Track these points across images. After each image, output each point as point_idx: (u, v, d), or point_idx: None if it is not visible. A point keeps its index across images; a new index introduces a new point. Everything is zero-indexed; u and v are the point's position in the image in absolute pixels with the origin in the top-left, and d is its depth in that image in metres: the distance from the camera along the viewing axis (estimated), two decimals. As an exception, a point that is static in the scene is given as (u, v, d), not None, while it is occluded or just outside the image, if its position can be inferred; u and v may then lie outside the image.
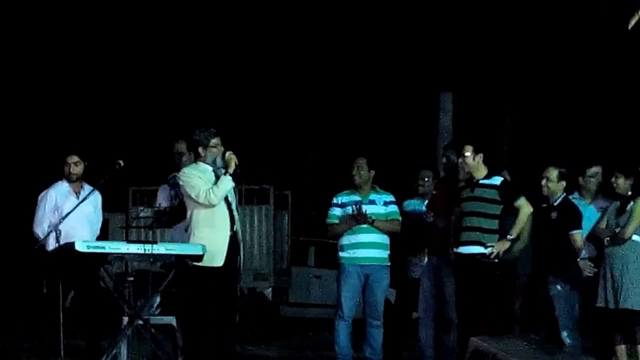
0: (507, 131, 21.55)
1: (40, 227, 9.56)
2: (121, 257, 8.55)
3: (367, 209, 9.65)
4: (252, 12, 21.71)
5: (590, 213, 9.50)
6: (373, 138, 21.44)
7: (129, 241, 8.80)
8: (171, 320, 9.31)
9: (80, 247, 8.30)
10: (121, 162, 9.18)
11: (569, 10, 18.91)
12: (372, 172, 9.77)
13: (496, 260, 9.08)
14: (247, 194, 17.14)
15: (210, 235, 8.71)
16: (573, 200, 9.57)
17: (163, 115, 21.71)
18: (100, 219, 9.80)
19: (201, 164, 8.92)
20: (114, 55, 21.94)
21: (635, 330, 8.78)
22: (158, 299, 9.23)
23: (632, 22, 10.13)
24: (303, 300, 18.59)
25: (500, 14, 19.51)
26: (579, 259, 9.17)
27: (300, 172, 23.80)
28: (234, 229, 8.86)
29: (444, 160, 9.99)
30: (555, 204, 9.40)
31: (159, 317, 9.30)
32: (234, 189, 8.93)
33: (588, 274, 9.11)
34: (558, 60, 20.26)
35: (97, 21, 21.45)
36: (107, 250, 8.41)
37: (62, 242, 9.06)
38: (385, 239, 9.70)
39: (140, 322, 8.63)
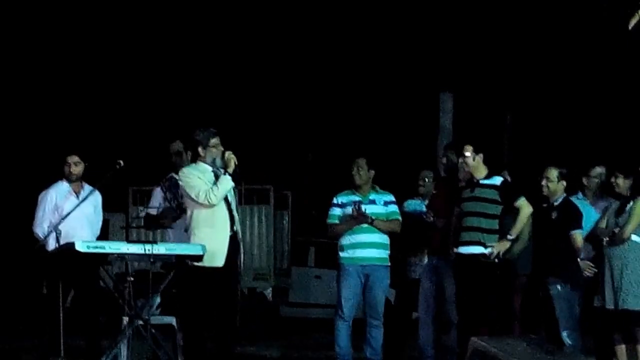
0: (507, 131, 21.55)
1: (41, 227, 9.55)
2: (121, 257, 8.56)
3: (368, 208, 9.66)
4: (252, 12, 21.71)
5: (593, 213, 9.49)
6: (373, 138, 21.44)
7: (129, 241, 8.81)
8: (171, 320, 9.31)
9: (80, 247, 8.31)
10: (121, 162, 9.18)
11: (569, 10, 18.91)
12: (372, 172, 9.78)
13: (496, 261, 9.08)
14: (247, 194, 17.12)
15: (210, 236, 8.71)
16: (577, 201, 9.57)
17: (163, 115, 21.70)
18: (101, 219, 9.80)
19: (201, 164, 8.92)
20: (114, 56, 21.94)
21: (635, 331, 8.78)
22: (158, 299, 9.23)
23: (632, 23, 10.11)
24: (303, 301, 18.59)
25: (500, 14, 19.50)
26: (579, 259, 9.17)
27: (300, 172, 23.80)
28: (234, 229, 8.86)
29: (444, 160, 9.99)
30: (555, 204, 9.40)
31: (159, 317, 9.30)
32: (233, 189, 8.93)
33: (588, 274, 9.11)
34: (558, 60, 20.25)
35: (97, 21, 21.45)
36: (107, 251, 8.43)
37: (62, 242, 9.06)
38: (385, 239, 9.70)
39: (141, 322, 8.63)
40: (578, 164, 10.07)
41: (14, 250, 17.69)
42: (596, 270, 9.04)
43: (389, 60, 21.33)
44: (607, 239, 8.93)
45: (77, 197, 9.60)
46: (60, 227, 9.25)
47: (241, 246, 8.99)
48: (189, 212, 8.89)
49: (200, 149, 8.90)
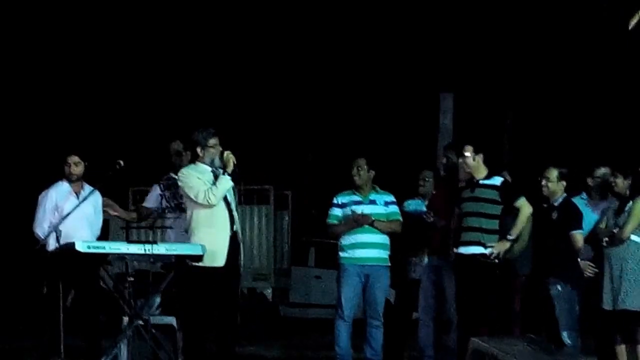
0: (508, 131, 21.55)
1: (41, 228, 9.55)
2: (121, 257, 8.56)
3: (368, 208, 9.66)
4: (251, 12, 21.72)
5: (591, 215, 9.48)
6: (373, 138, 21.45)
7: (129, 241, 8.81)
8: (171, 320, 9.31)
9: (80, 247, 8.32)
10: (121, 162, 9.18)
11: (569, 10, 18.92)
12: (372, 172, 9.78)
13: (496, 261, 9.08)
14: (247, 194, 17.10)
15: (210, 236, 8.71)
16: (581, 201, 9.55)
17: (163, 115, 21.71)
18: (101, 219, 9.79)
19: (200, 164, 8.91)
20: (114, 56, 21.95)
21: (636, 331, 8.78)
22: (158, 299, 9.23)
23: (633, 23, 10.12)
24: (303, 301, 18.59)
25: (500, 14, 19.52)
26: (579, 260, 9.16)
27: (300, 172, 23.80)
28: (234, 228, 8.86)
29: (445, 160, 9.99)
30: (555, 204, 9.39)
31: (159, 317, 9.30)
32: (233, 188, 8.93)
33: (589, 274, 9.10)
34: (558, 60, 20.27)
35: (96, 21, 21.46)
36: (107, 251, 8.43)
37: (62, 242, 9.06)
38: (385, 239, 9.70)
39: (141, 322, 8.64)
40: (578, 164, 10.06)
41: (14, 250, 17.69)
42: (597, 271, 9.03)
43: (389, 60, 21.35)
44: (607, 239, 8.93)
45: (77, 197, 9.59)
46: (60, 227, 9.25)
47: (241, 246, 8.99)
48: (188, 213, 8.89)
49: (198, 150, 8.90)
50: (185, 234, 8.99)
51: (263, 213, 17.74)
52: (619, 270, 8.81)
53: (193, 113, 20.35)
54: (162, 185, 9.96)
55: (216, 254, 8.67)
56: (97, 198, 9.70)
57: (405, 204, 10.28)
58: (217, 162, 8.86)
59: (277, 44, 22.07)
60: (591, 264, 9.10)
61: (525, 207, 9.14)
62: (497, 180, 9.23)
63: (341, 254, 9.71)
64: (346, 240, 9.68)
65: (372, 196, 9.75)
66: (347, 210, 9.69)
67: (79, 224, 9.46)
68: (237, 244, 8.88)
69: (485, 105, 20.99)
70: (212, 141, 8.87)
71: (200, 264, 8.58)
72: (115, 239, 12.64)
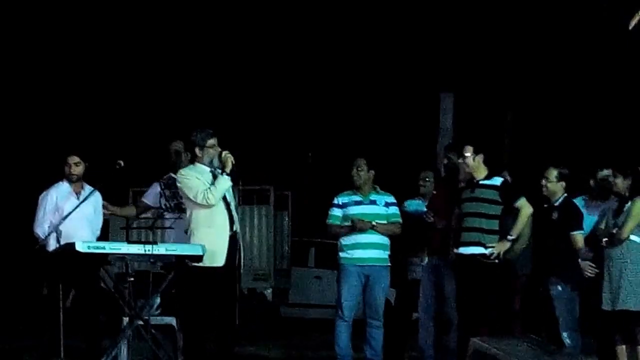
0: (508, 131, 21.53)
1: (41, 228, 9.55)
2: (121, 257, 8.57)
3: (368, 209, 9.66)
4: (251, 12, 21.71)
5: (589, 216, 9.48)
6: (373, 138, 21.44)
7: (129, 242, 8.81)
8: (171, 320, 9.32)
9: (80, 247, 8.32)
10: (121, 162, 9.18)
11: (569, 10, 18.91)
12: (372, 172, 9.78)
13: (496, 261, 9.08)
14: (247, 194, 17.13)
15: (210, 236, 8.72)
16: (580, 202, 9.55)
17: (163, 115, 21.70)
18: (101, 219, 9.80)
19: (198, 164, 8.92)
20: (114, 56, 21.94)
21: (636, 331, 8.78)
22: (158, 300, 9.23)
23: (633, 23, 10.11)
24: (303, 301, 18.59)
25: (500, 14, 19.51)
26: (579, 260, 9.16)
27: (300, 172, 23.80)
28: (234, 228, 8.87)
29: (445, 161, 9.99)
30: (556, 204, 9.39)
31: (159, 317, 9.31)
32: (233, 189, 8.93)
33: (589, 275, 9.10)
34: (559, 61, 20.26)
35: (96, 21, 21.45)
36: (107, 251, 8.43)
37: (62, 242, 9.06)
38: (385, 240, 9.70)
39: (141, 322, 8.64)
40: (579, 164, 10.06)
41: (15, 250, 17.68)
42: (597, 271, 9.03)
43: (389, 60, 21.34)
44: (606, 239, 8.93)
45: (78, 197, 9.59)
46: (60, 227, 9.26)
47: (241, 246, 8.99)
48: (188, 213, 8.89)
49: (197, 150, 8.90)
50: (185, 235, 8.99)
51: (263, 213, 17.72)
52: (619, 270, 8.81)
53: (193, 113, 20.35)
54: (162, 184, 9.96)
55: (216, 254, 8.67)
56: (97, 198, 9.71)
57: (406, 204, 10.28)
58: (215, 162, 8.86)
59: (276, 44, 22.06)
60: (591, 264, 9.10)
61: (525, 208, 9.14)
62: (497, 181, 9.23)
63: (341, 254, 9.71)
64: (346, 240, 9.68)
65: (373, 196, 9.75)
66: (348, 211, 9.69)
67: (79, 224, 9.47)
68: (237, 243, 8.88)
69: (485, 105, 20.98)
70: (211, 142, 8.87)
71: (200, 264, 8.58)
72: (115, 239, 12.63)
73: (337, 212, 9.77)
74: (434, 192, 10.08)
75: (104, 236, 10.08)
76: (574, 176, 9.61)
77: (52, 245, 9.31)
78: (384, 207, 9.73)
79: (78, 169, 9.65)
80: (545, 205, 9.50)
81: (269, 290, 17.94)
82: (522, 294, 10.42)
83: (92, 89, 22.24)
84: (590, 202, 9.65)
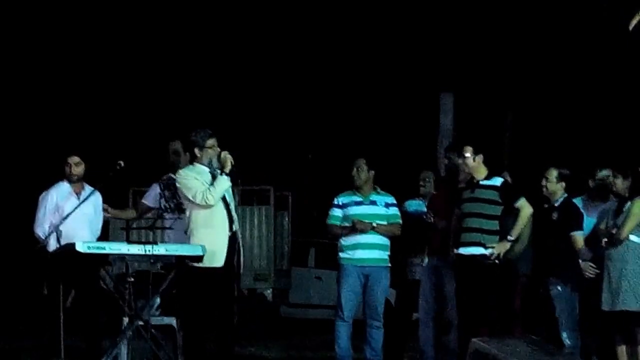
0: (508, 132, 21.54)
1: (41, 228, 9.55)
2: (122, 257, 8.57)
3: (369, 209, 9.66)
4: (251, 12, 21.71)
5: (588, 217, 9.48)
6: (373, 138, 21.45)
7: (129, 242, 8.80)
8: (171, 320, 9.31)
9: (80, 247, 8.32)
10: (122, 162, 9.18)
11: (569, 10, 18.91)
12: (372, 172, 9.77)
13: (497, 261, 9.08)
14: (247, 194, 17.15)
15: (210, 236, 8.71)
16: (579, 203, 9.55)
17: (163, 115, 21.70)
18: (101, 219, 9.79)
19: (197, 165, 8.91)
20: (114, 56, 21.94)
21: (636, 331, 8.78)
22: (158, 300, 9.23)
23: (633, 23, 10.12)
24: (303, 301, 18.61)
25: (500, 14, 19.51)
26: (580, 260, 9.16)
27: (300, 172, 23.80)
28: (233, 228, 8.86)
29: (446, 161, 9.99)
30: (556, 204, 9.39)
31: (159, 317, 9.30)
32: (233, 189, 8.93)
33: (589, 275, 9.11)
34: (559, 61, 20.26)
35: (96, 21, 21.45)
36: (107, 251, 8.43)
37: (62, 242, 9.06)
38: (385, 240, 9.70)
39: (141, 322, 8.64)
40: (579, 164, 10.06)
41: (15, 250, 17.69)
42: (597, 271, 9.03)
43: (389, 60, 21.34)
44: (606, 239, 8.93)
45: (78, 197, 9.59)
46: (60, 227, 9.26)
47: (241, 246, 8.99)
48: (187, 213, 8.88)
49: (196, 150, 8.89)
50: (185, 235, 8.99)
51: (263, 213, 17.74)
52: (619, 270, 8.81)
53: (193, 113, 20.35)
54: (161, 185, 9.96)
55: (215, 254, 8.67)
56: (97, 198, 9.70)
57: (406, 204, 10.29)
58: (215, 162, 8.85)
59: (276, 44, 22.07)
60: (592, 264, 9.10)
61: (525, 208, 9.14)
62: (497, 181, 9.23)
63: (341, 254, 9.71)
64: (346, 240, 9.68)
65: (373, 197, 9.74)
66: (348, 211, 9.69)
67: (80, 225, 9.46)
68: (237, 243, 8.88)
69: (485, 105, 20.98)
70: (210, 142, 8.86)
71: (199, 264, 8.58)
72: (116, 239, 12.63)
73: (337, 212, 9.77)
74: (434, 192, 10.09)
75: (104, 236, 10.08)
76: (573, 176, 9.62)
77: (52, 245, 9.31)
78: (384, 208, 9.73)
79: (78, 169, 9.65)
80: (546, 206, 9.50)
81: (269, 291, 17.95)
82: (522, 294, 10.42)
83: (92, 89, 22.24)
84: (590, 203, 9.65)
